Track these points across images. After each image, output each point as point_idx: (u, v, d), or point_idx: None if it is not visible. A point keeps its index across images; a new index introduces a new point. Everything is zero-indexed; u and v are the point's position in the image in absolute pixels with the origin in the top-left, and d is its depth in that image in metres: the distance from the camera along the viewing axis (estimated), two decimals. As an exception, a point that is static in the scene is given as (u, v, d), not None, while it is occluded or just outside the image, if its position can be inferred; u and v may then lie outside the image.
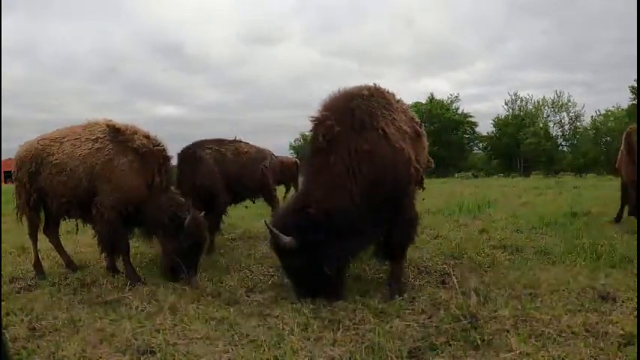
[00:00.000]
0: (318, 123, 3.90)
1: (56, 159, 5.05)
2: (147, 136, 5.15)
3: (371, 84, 4.29)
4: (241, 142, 7.13)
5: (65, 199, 5.04)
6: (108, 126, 5.14)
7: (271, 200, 7.44)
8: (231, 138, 7.09)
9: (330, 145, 3.73)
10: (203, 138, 6.82)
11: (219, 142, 6.78)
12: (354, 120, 3.76)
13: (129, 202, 4.89)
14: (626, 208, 7.97)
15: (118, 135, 5.05)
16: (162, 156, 5.13)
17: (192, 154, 6.39)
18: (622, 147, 7.73)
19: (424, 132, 4.73)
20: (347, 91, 4.05)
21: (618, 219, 7.85)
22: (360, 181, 3.65)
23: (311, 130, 4.01)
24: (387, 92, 4.36)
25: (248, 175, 6.76)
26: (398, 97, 4.61)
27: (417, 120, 4.60)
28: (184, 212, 4.84)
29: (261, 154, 7.28)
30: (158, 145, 5.16)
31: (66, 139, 5.15)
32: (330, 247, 3.60)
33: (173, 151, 5.34)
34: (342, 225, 3.58)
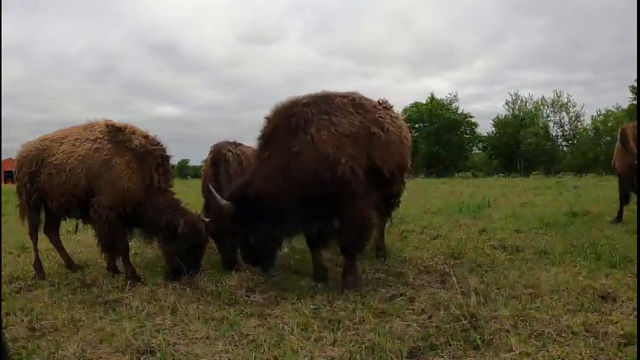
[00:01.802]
0: (264, 123, 4.48)
1: (56, 159, 5.05)
2: (145, 136, 5.14)
3: (323, 90, 4.66)
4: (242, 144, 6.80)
5: (65, 198, 5.04)
6: (107, 126, 5.14)
7: None
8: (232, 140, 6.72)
9: (269, 144, 4.35)
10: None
11: (233, 144, 6.47)
12: (290, 125, 4.27)
13: (126, 203, 4.88)
14: (627, 208, 7.98)
15: (116, 135, 5.04)
16: (160, 156, 5.11)
17: (224, 155, 5.97)
18: (618, 141, 7.93)
19: (393, 131, 4.66)
20: (292, 98, 4.50)
21: (619, 219, 7.85)
22: (287, 178, 4.17)
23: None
24: (339, 97, 4.56)
25: None
26: (377, 98, 4.77)
27: (381, 121, 4.57)
28: (178, 218, 4.78)
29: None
30: (157, 145, 5.15)
31: (66, 140, 5.16)
32: (259, 223, 4.21)
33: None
34: (269, 208, 4.17)
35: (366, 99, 4.79)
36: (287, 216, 4.21)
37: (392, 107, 5.14)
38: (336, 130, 4.22)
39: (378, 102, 5.01)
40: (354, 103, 4.56)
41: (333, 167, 4.11)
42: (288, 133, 4.24)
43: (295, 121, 4.25)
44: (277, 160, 4.22)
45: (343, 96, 4.59)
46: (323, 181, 4.12)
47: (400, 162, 4.72)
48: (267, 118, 4.48)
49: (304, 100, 4.39)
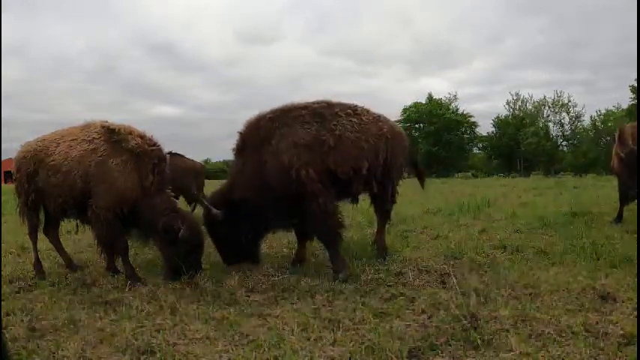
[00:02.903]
0: (239, 136, 5.21)
1: (53, 160, 5.05)
2: (142, 137, 5.11)
3: (290, 102, 5.27)
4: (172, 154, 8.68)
5: (61, 199, 5.04)
6: (103, 127, 5.13)
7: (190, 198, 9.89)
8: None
9: (243, 154, 5.13)
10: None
11: None
12: (259, 137, 5.02)
13: (124, 203, 4.87)
14: (627, 208, 7.97)
15: (112, 135, 5.03)
16: (157, 156, 5.09)
17: None
18: (616, 141, 7.94)
19: (349, 137, 5.05)
20: (259, 114, 5.19)
21: (619, 219, 7.84)
22: (262, 182, 4.88)
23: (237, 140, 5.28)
24: (300, 108, 5.10)
25: None
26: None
27: (334, 128, 5.00)
28: (178, 222, 4.76)
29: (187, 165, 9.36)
30: (153, 146, 5.12)
31: (63, 140, 5.16)
32: (245, 222, 5.00)
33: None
34: (251, 209, 4.95)
35: (330, 106, 5.24)
36: (268, 213, 4.99)
37: (362, 113, 5.39)
38: (292, 140, 4.88)
39: (345, 107, 5.32)
40: (313, 113, 5.11)
41: (290, 172, 4.78)
42: (258, 144, 4.98)
43: (262, 134, 4.99)
44: (252, 168, 4.98)
45: (304, 107, 5.15)
46: (285, 184, 4.78)
47: (355, 165, 5.08)
48: (239, 132, 5.18)
49: (269, 115, 5.09)
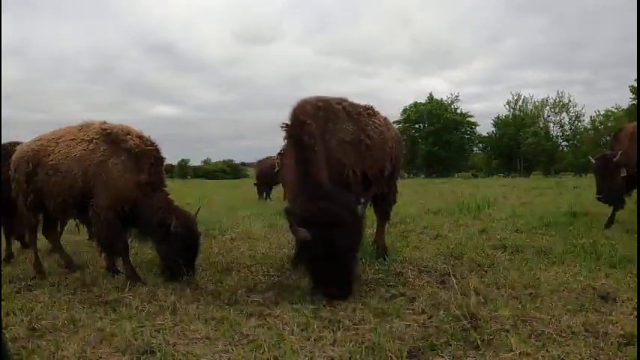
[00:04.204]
0: (302, 125, 4.45)
1: (52, 159, 5.05)
2: (140, 137, 5.13)
3: (318, 96, 4.84)
4: None
5: (61, 199, 5.04)
6: (101, 127, 5.14)
7: None
8: None
9: (315, 140, 4.38)
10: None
11: None
12: (317, 128, 4.46)
13: (123, 203, 4.87)
14: (626, 207, 7.96)
15: (111, 136, 5.04)
16: (154, 156, 5.10)
17: None
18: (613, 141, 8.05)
19: (375, 138, 5.00)
20: (312, 100, 4.68)
21: (610, 224, 7.71)
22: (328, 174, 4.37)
23: (291, 131, 4.54)
24: (336, 103, 4.87)
25: None
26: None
27: (367, 128, 4.92)
28: (170, 217, 4.77)
29: None
30: (151, 146, 5.13)
31: (62, 140, 5.16)
32: None
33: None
34: None
35: (352, 105, 5.09)
36: None
37: (376, 113, 5.40)
38: (341, 137, 4.67)
39: (364, 107, 5.28)
40: (345, 111, 4.91)
41: (342, 172, 4.59)
42: (318, 136, 4.46)
43: (318, 126, 4.49)
44: (331, 155, 4.50)
45: (337, 102, 4.90)
46: (338, 183, 4.48)
47: (380, 166, 5.09)
48: (301, 121, 4.48)
49: (318, 103, 4.67)
